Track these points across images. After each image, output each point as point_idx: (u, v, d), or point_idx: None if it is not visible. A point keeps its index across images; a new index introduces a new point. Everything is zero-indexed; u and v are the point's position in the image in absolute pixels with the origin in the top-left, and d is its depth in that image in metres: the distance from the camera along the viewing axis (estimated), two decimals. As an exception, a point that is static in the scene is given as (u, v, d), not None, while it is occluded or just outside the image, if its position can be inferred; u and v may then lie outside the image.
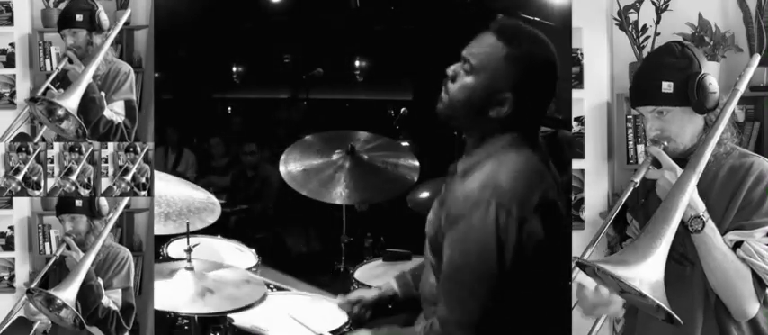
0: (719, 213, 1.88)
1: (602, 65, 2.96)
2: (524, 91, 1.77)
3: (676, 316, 1.62)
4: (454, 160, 1.91)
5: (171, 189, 2.76)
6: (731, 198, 1.89)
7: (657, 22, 2.89)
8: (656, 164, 1.89)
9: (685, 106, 1.90)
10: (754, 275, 1.86)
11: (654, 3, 2.89)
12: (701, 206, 1.82)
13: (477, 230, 1.73)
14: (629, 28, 2.91)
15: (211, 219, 2.71)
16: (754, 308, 1.89)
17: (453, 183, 1.86)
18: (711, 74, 1.92)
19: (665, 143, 1.92)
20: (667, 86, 1.89)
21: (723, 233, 1.87)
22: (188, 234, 2.44)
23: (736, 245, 1.87)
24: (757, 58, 2.09)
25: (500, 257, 1.73)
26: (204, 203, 2.76)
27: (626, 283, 1.60)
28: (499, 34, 1.80)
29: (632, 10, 2.91)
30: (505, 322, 1.78)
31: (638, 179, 1.89)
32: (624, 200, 1.88)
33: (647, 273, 1.62)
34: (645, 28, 2.90)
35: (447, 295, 1.79)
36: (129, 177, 2.89)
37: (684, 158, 1.88)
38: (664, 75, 1.90)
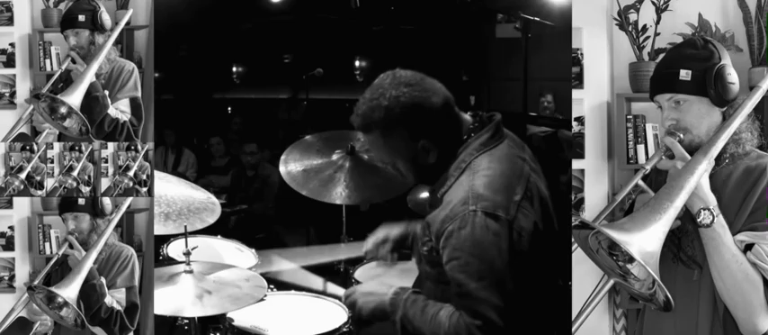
0: (731, 214, 1.80)
1: (602, 65, 2.96)
2: (425, 128, 1.86)
3: (668, 292, 1.58)
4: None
5: (171, 189, 2.75)
6: (744, 199, 1.82)
7: (657, 22, 2.89)
8: (670, 155, 1.85)
9: (703, 97, 1.85)
10: (766, 285, 1.76)
11: (654, 3, 2.89)
12: (712, 199, 1.75)
13: (471, 245, 1.73)
14: (629, 28, 2.91)
15: (211, 219, 2.70)
16: (765, 323, 1.76)
17: (435, 208, 1.87)
18: (732, 67, 1.88)
19: (681, 135, 1.87)
20: (685, 74, 1.84)
21: (734, 235, 1.78)
22: (186, 235, 2.43)
23: (747, 248, 1.78)
24: None
25: (502, 261, 1.73)
26: (204, 203, 2.75)
27: (622, 247, 1.57)
28: (366, 129, 1.91)
29: (632, 10, 2.91)
30: (522, 314, 1.78)
31: (649, 167, 1.84)
32: (634, 184, 1.84)
33: (643, 241, 1.58)
34: (645, 28, 2.90)
35: (468, 310, 1.77)
36: (130, 173, 2.89)
37: None
38: (683, 64, 1.86)
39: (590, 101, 2.95)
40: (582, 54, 2.94)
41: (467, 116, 1.93)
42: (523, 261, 1.76)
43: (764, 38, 2.85)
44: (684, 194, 1.68)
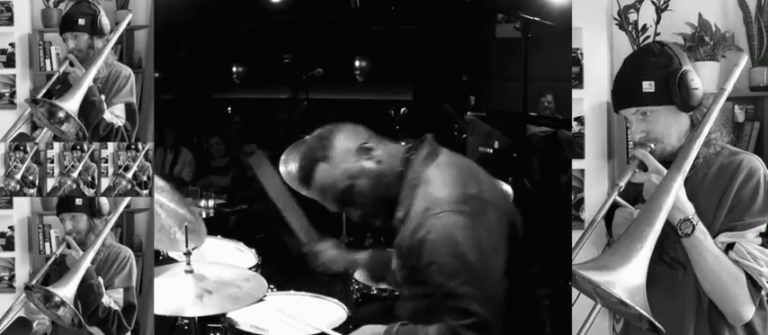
0: (710, 215, 1.82)
1: (602, 65, 2.96)
2: None
3: (658, 324, 1.57)
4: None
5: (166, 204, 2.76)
6: (721, 198, 1.83)
7: (657, 22, 2.89)
8: (643, 167, 1.84)
9: (669, 105, 1.85)
10: (749, 277, 1.80)
11: (654, 3, 2.89)
12: (690, 209, 1.77)
13: (444, 244, 1.77)
14: (629, 28, 2.91)
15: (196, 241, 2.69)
16: (749, 312, 1.82)
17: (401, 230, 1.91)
18: (694, 71, 1.87)
19: (652, 145, 1.87)
20: (648, 86, 1.83)
21: (714, 235, 1.81)
22: (186, 236, 2.43)
23: (729, 247, 1.81)
24: (745, 57, 2.02)
25: (474, 254, 1.76)
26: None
27: (604, 289, 1.54)
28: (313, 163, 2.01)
29: (632, 10, 2.91)
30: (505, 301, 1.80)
31: (623, 183, 1.84)
32: (609, 203, 1.84)
33: (627, 278, 1.57)
34: (645, 28, 2.90)
35: (454, 310, 1.79)
36: (129, 175, 2.89)
37: (673, 160, 1.84)
38: (644, 74, 1.85)
39: (590, 101, 2.95)
40: (582, 54, 2.94)
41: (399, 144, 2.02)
42: (495, 249, 1.80)
43: (764, 38, 2.85)
44: (663, 215, 1.69)
